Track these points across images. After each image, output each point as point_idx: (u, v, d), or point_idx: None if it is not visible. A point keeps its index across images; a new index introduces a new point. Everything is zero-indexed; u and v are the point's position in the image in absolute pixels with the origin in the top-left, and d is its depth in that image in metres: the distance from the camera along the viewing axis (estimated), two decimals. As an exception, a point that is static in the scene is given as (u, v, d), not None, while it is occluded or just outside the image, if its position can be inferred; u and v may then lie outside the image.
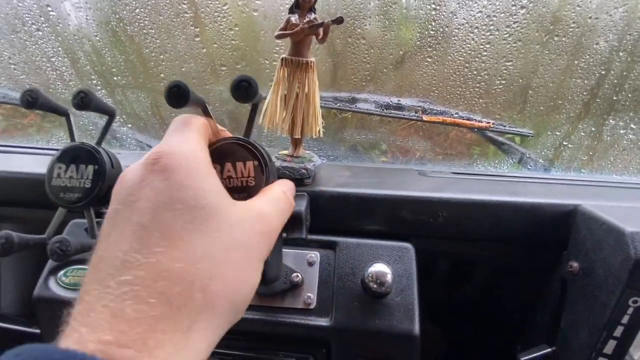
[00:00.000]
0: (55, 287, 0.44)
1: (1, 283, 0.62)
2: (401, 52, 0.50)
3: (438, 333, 0.63)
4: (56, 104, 0.35)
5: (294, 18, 0.42)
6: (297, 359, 0.40)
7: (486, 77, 0.49)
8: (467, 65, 0.49)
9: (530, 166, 0.60)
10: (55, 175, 0.35)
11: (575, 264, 0.41)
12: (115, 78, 0.58)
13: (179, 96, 0.24)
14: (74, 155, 0.35)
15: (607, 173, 0.59)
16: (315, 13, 0.43)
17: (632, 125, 0.53)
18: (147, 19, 0.51)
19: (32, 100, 0.33)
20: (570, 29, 0.48)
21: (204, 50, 0.53)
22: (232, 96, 0.27)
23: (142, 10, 0.50)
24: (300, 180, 0.47)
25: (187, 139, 0.23)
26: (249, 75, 0.27)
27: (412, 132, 0.60)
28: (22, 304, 0.64)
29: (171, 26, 0.51)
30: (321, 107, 0.57)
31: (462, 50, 0.49)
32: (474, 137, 0.60)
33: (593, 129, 0.54)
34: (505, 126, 0.55)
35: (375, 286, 0.39)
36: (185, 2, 0.50)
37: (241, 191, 0.27)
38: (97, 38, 0.54)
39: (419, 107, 0.57)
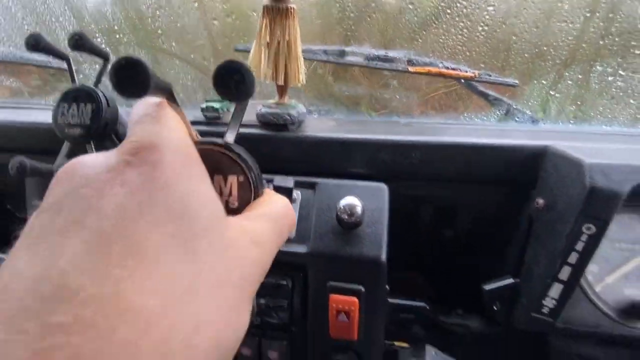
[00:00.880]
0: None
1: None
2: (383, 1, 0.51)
3: (422, 280, 0.67)
4: (57, 48, 0.39)
5: (273, -36, 0.44)
6: (277, 282, 0.45)
7: (468, 23, 0.50)
8: (448, 11, 0.50)
9: (518, 118, 0.61)
10: (60, 114, 0.39)
11: (541, 201, 0.43)
12: (117, 36, 0.62)
13: (135, 82, 0.16)
14: (75, 96, 0.40)
15: (597, 124, 0.59)
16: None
17: (620, 72, 0.52)
18: (142, -26, 0.54)
19: (35, 44, 0.37)
20: (552, -31, 0.47)
21: (196, 4, 0.55)
22: (216, 91, 0.19)
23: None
24: (283, 125, 0.50)
25: (172, 128, 0.17)
26: (241, 61, 0.19)
27: (401, 87, 0.62)
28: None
29: (164, -19, 0.54)
30: (310, 59, 0.59)
31: (442, -4, 0.49)
32: (461, 89, 0.60)
33: (580, 76, 0.54)
34: (490, 76, 0.55)
35: (346, 217, 0.42)
36: (176, -44, 0.53)
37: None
38: (98, -5, 0.58)
39: (405, 58, 0.58)
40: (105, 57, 0.40)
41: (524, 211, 0.47)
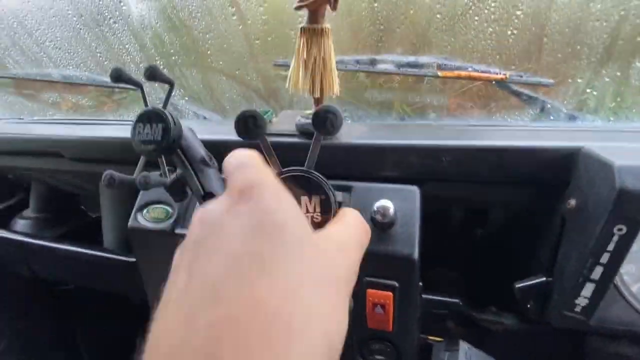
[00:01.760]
0: (142, 220, 0.59)
1: (103, 225, 0.82)
2: (411, 11, 0.54)
3: (456, 277, 0.68)
4: (134, 78, 0.47)
5: (309, -10, 0.49)
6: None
7: (497, 28, 0.51)
8: (476, 18, 0.51)
9: (553, 116, 0.61)
10: (136, 133, 0.47)
11: (573, 201, 0.44)
12: (173, 58, 0.70)
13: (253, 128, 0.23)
14: (148, 117, 0.47)
15: (638, 121, 0.57)
16: (328, -17, 0.49)
17: (663, 67, 0.50)
18: (194, 4, 0.61)
19: (117, 76, 0.45)
20: (582, -29, 0.47)
21: (240, 27, 0.62)
22: (314, 128, 0.25)
23: (190, -3, 0.61)
24: (321, 134, 0.55)
25: (266, 172, 0.22)
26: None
27: (432, 90, 0.64)
28: (120, 240, 0.83)
29: (212, 8, 0.61)
30: (344, 70, 0.63)
31: (470, 2, 0.50)
32: (493, 90, 0.61)
33: (618, 73, 0.52)
34: (522, 76, 0.56)
35: (380, 218, 0.46)
36: (223, -14, 0.59)
37: None
38: (158, 25, 0.67)
39: (434, 63, 0.60)
40: (171, 84, 0.47)
41: (556, 211, 0.48)
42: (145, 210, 0.60)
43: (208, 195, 0.49)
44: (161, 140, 0.46)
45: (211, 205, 0.21)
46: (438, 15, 0.53)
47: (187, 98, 0.78)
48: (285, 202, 0.20)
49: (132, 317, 1.21)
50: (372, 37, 0.59)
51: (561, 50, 0.53)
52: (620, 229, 0.38)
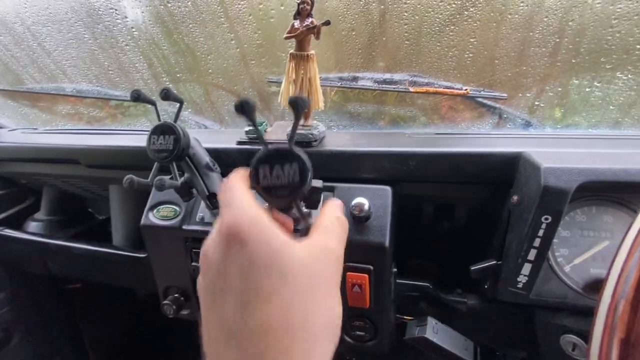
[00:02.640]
0: (153, 218, 0.67)
1: (112, 225, 0.90)
2: (384, 39, 0.63)
3: (429, 264, 0.78)
4: (149, 97, 0.56)
5: (297, 23, 0.58)
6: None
7: (456, 52, 0.60)
8: (438, 44, 0.60)
9: (510, 124, 0.70)
10: (152, 143, 0.56)
11: (515, 197, 0.54)
12: (178, 75, 0.79)
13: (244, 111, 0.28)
14: (161, 130, 0.55)
15: (584, 128, 0.66)
16: (312, 17, 0.58)
17: (596, 83, 0.60)
18: (198, 30, 0.70)
19: (136, 96, 0.53)
20: (520, 8, 0.56)
21: (238, 49, 0.71)
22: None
23: (194, 24, 0.69)
24: (308, 143, 0.64)
25: (248, 203, 0.25)
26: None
27: (407, 103, 0.73)
28: (128, 238, 0.91)
29: (214, 34, 0.69)
30: (328, 85, 0.73)
31: (432, 29, 0.59)
32: (460, 102, 0.70)
33: (559, 89, 0.62)
34: (480, 91, 0.66)
35: (357, 212, 0.55)
36: (222, 15, 0.68)
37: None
38: (165, 47, 0.75)
39: (407, 80, 0.69)
40: (181, 102, 0.56)
41: (505, 205, 0.57)
42: (155, 210, 0.68)
43: (212, 196, 0.58)
44: (173, 149, 0.55)
45: (210, 248, 0.26)
46: (407, 42, 0.63)
47: (189, 110, 0.87)
48: (267, 236, 0.24)
49: (134, 312, 1.29)
50: (353, 58, 0.68)
51: (510, 70, 0.62)
52: (546, 219, 0.47)
